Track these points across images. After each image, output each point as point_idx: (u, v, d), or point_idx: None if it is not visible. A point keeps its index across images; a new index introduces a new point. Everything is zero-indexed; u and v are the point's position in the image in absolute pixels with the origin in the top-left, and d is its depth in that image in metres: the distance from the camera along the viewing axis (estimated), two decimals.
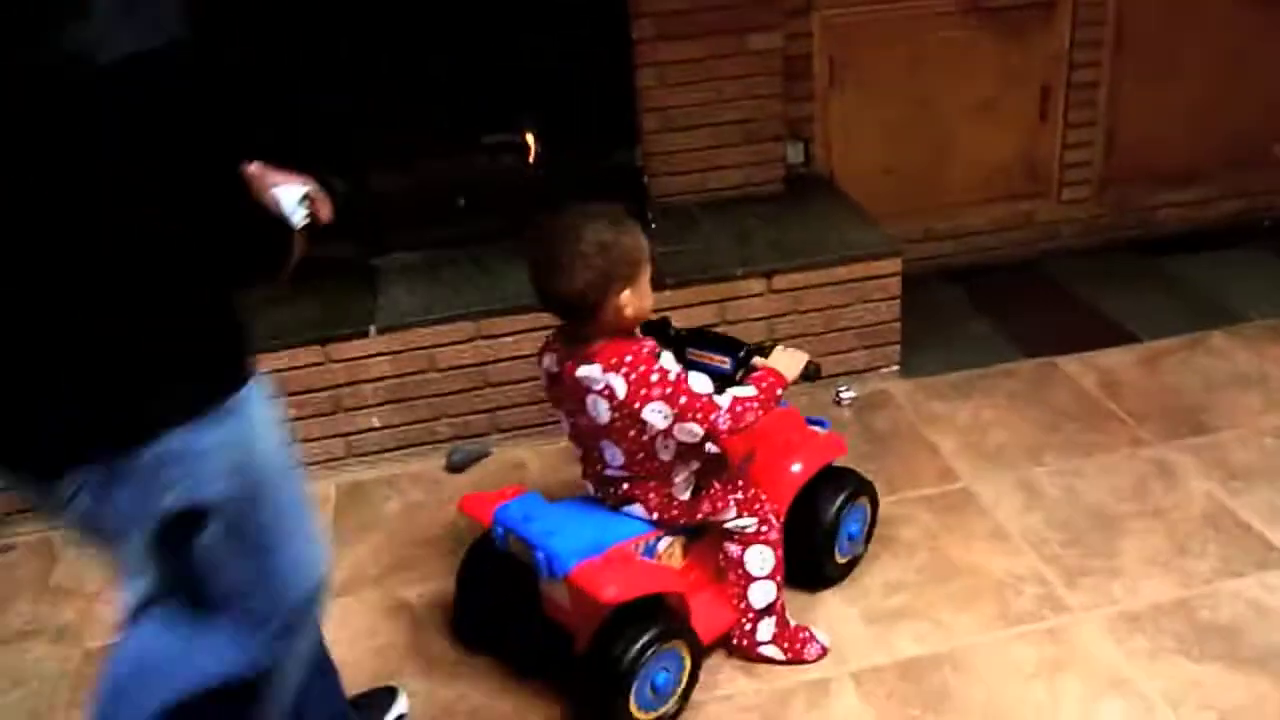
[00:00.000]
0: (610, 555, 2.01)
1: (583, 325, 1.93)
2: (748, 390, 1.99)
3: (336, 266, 3.05)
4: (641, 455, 2.00)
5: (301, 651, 1.61)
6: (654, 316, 2.08)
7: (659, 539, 2.10)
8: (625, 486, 2.07)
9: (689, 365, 2.06)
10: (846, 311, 2.99)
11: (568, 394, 2.00)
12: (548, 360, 2.04)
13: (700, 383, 1.95)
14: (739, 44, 3.18)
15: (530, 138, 3.30)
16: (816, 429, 2.38)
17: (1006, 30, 3.46)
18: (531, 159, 3.29)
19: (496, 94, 3.12)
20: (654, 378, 1.91)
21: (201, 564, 1.45)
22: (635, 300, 1.91)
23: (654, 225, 3.16)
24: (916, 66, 3.44)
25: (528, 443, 2.92)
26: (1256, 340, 3.16)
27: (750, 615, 2.15)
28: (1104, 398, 2.95)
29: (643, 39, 3.12)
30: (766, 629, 2.16)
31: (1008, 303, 3.46)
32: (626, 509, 2.09)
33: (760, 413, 1.98)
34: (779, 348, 2.11)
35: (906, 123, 3.50)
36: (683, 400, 1.91)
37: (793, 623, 2.19)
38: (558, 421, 2.16)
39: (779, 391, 2.03)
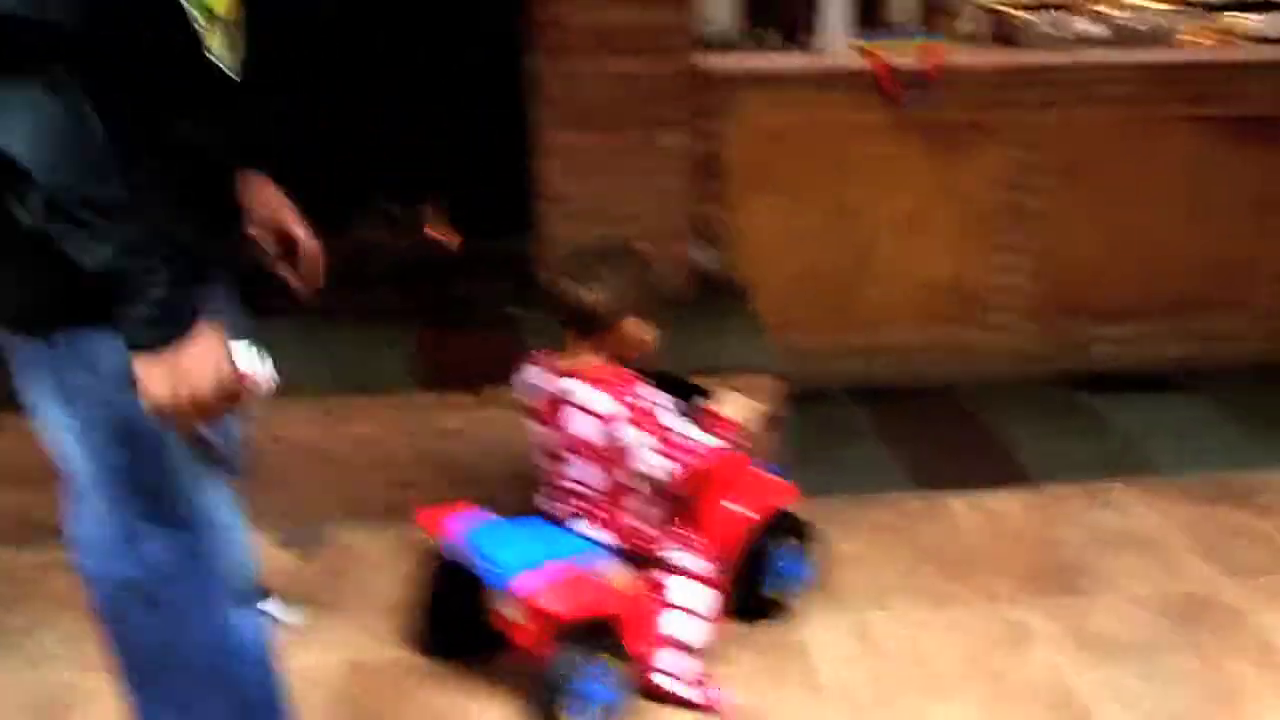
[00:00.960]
0: (556, 571, 2.06)
1: (584, 341, 2.08)
2: (709, 437, 2.12)
3: None
4: (613, 476, 2.09)
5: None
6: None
7: (604, 561, 2.13)
8: (581, 502, 2.15)
9: None
10: None
11: (549, 407, 2.12)
12: (532, 373, 2.17)
13: (676, 420, 2.07)
14: (646, 139, 3.10)
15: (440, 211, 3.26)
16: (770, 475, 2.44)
17: (940, 147, 3.34)
18: (446, 234, 3.25)
19: (387, 161, 3.07)
20: (639, 405, 2.04)
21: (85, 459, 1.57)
22: (641, 333, 2.09)
23: (538, 316, 3.08)
24: (839, 174, 3.33)
25: (368, 530, 2.78)
26: (1161, 497, 2.94)
27: (675, 649, 2.16)
28: (979, 543, 2.75)
29: (544, 123, 3.06)
30: (688, 667, 2.16)
31: (913, 428, 3.29)
32: (575, 524, 2.17)
33: (719, 459, 2.12)
34: (729, 395, 2.23)
35: (825, 231, 3.38)
36: (662, 433, 2.04)
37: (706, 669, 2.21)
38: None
39: (737, 436, 2.17)
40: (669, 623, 2.16)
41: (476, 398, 2.74)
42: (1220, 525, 2.82)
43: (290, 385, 2.69)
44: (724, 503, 2.31)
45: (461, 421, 2.78)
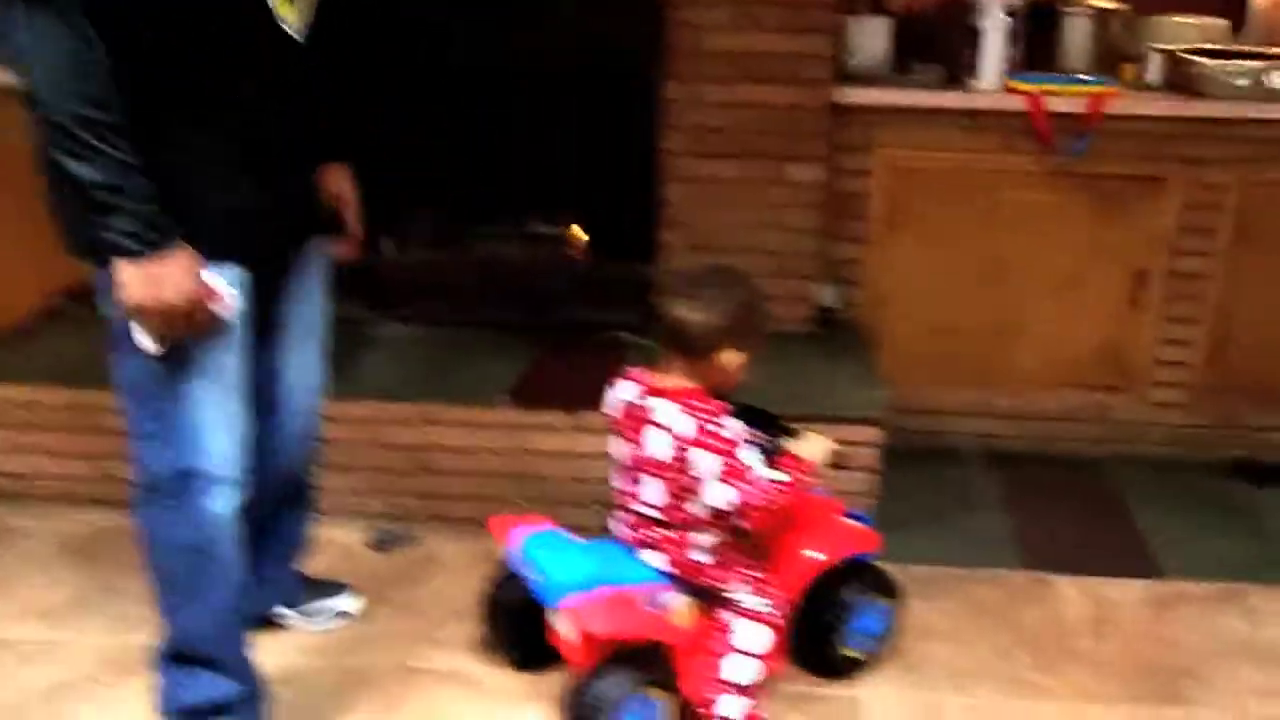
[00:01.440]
0: (605, 594, 2.05)
1: (680, 363, 2.05)
2: (781, 475, 2.05)
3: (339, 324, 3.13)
4: (676, 503, 2.06)
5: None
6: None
7: (668, 593, 2.11)
8: (652, 529, 2.12)
9: None
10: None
11: (632, 423, 2.10)
12: (626, 389, 2.14)
13: (750, 455, 2.03)
14: (777, 172, 3.00)
15: (578, 232, 3.25)
16: (853, 522, 2.36)
17: (1101, 201, 3.08)
18: (577, 254, 3.25)
19: (518, 184, 3.09)
20: (720, 434, 1.99)
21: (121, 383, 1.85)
22: (737, 365, 2.04)
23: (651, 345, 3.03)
24: (991, 224, 3.12)
25: (455, 537, 2.80)
26: None
27: (718, 683, 2.11)
28: (1083, 635, 2.50)
29: (673, 151, 3.01)
30: (737, 708, 2.11)
31: (1042, 501, 3.04)
32: (646, 553, 2.14)
33: (788, 498, 2.04)
34: (806, 434, 2.16)
35: (972, 284, 3.18)
36: (732, 464, 1.99)
37: (764, 712, 2.15)
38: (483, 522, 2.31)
39: (808, 479, 2.09)
40: (728, 665, 2.11)
41: (571, 418, 2.72)
42: None
43: (396, 387, 2.85)
44: (796, 545, 2.24)
45: (556, 443, 2.78)
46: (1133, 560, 2.78)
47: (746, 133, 2.96)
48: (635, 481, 2.13)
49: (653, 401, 2.07)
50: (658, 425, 2.04)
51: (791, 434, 2.15)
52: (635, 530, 2.16)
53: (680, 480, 2.04)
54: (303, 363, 2.17)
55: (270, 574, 2.33)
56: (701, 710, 2.13)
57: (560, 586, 2.05)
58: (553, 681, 2.26)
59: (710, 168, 3.00)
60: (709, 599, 2.15)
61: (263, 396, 2.07)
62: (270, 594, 2.37)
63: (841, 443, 2.65)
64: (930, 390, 3.24)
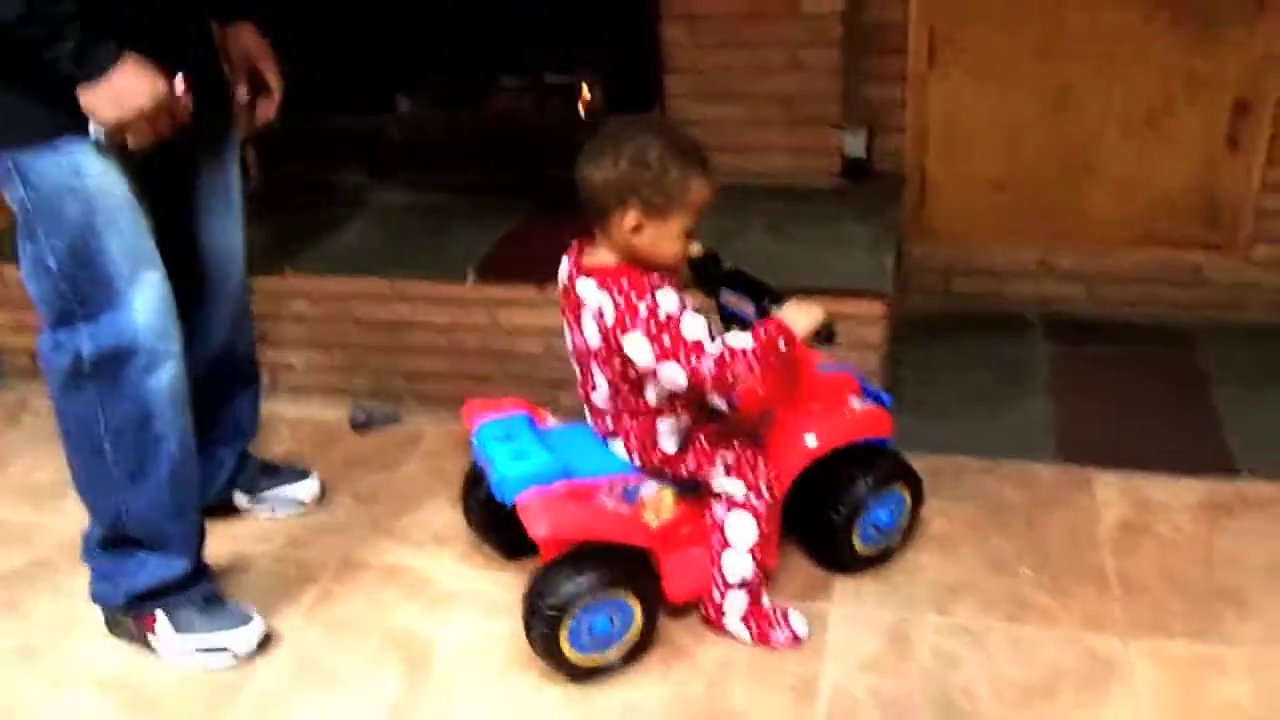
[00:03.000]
0: (563, 489, 1.83)
1: (599, 233, 1.77)
2: (742, 340, 1.73)
3: (331, 190, 2.92)
4: (626, 390, 1.83)
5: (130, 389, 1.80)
6: (693, 251, 1.87)
7: (642, 484, 1.90)
8: (610, 420, 1.89)
9: (723, 309, 1.93)
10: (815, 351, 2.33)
11: (570, 306, 1.84)
12: (563, 267, 1.86)
13: (694, 325, 1.72)
14: (790, 3, 2.53)
15: (585, 85, 2.87)
16: (867, 403, 2.04)
17: (1191, 19, 2.47)
18: (585, 107, 2.88)
19: (500, 32, 2.72)
20: (642, 311, 1.71)
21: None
22: (653, 235, 1.71)
23: None
24: (1055, 52, 2.56)
25: (438, 417, 2.58)
26: None
27: (721, 585, 1.92)
28: (1110, 544, 2.07)
29: None
30: (736, 603, 1.92)
31: (1106, 381, 2.55)
32: (611, 444, 1.92)
33: (755, 367, 1.72)
34: (791, 301, 1.80)
35: (1033, 123, 2.64)
36: (666, 340, 1.70)
37: (768, 603, 1.94)
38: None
39: (780, 346, 1.74)
40: (727, 562, 1.90)
41: (540, 292, 2.42)
42: None
43: (371, 260, 2.61)
44: (787, 428, 1.96)
45: (529, 318, 2.48)
46: (1202, 455, 2.29)
47: None
48: (584, 371, 1.88)
49: (581, 282, 1.78)
50: (590, 310, 1.77)
51: (780, 302, 1.80)
52: (597, 421, 1.92)
53: (622, 368, 1.78)
54: (222, 233, 2.03)
55: (222, 458, 2.22)
56: (704, 610, 1.94)
57: (510, 480, 1.82)
58: (500, 582, 2.08)
59: (711, 2, 2.56)
60: (693, 489, 1.92)
61: (186, 273, 1.94)
62: (222, 478, 2.23)
63: (839, 317, 2.30)
64: (985, 248, 2.76)
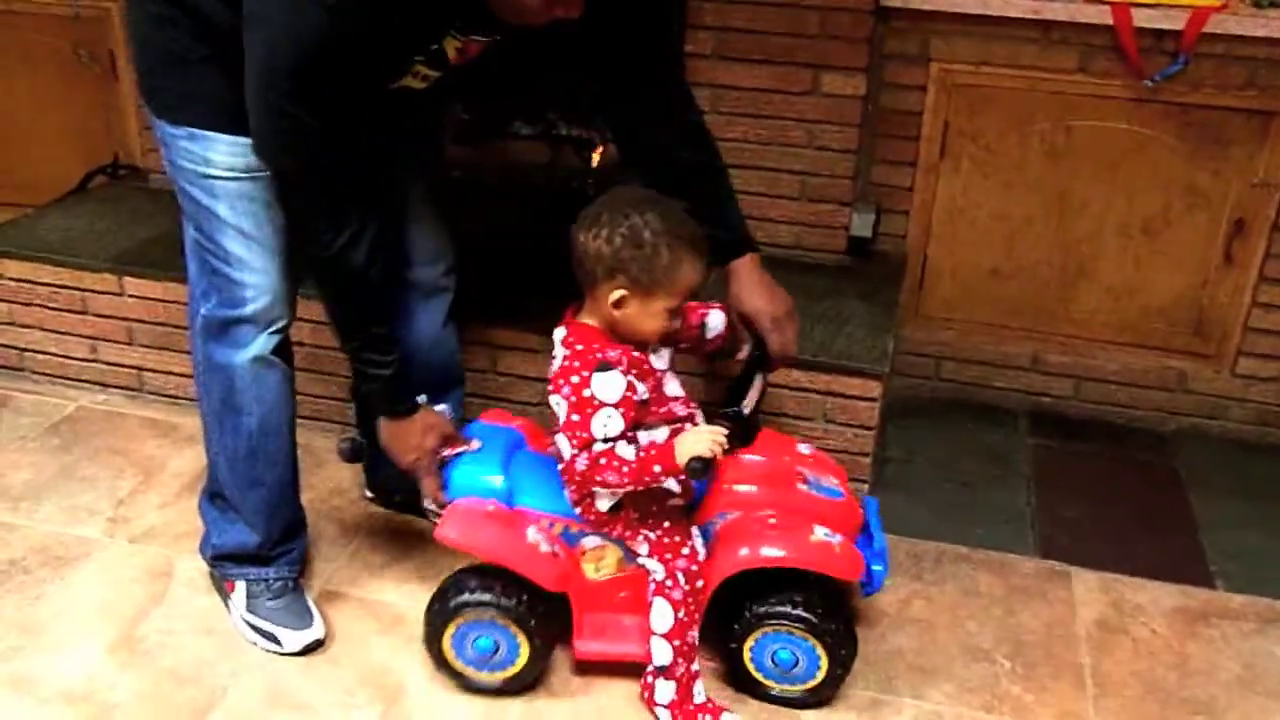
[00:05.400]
0: (491, 508, 1.84)
1: (588, 298, 1.75)
2: (629, 452, 1.70)
3: None
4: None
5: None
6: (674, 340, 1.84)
7: (584, 533, 1.84)
8: (559, 464, 1.81)
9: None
10: (807, 428, 2.29)
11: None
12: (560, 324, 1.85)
13: (603, 422, 1.69)
14: (811, 81, 2.52)
15: (599, 140, 2.84)
16: (830, 537, 1.80)
17: (1195, 136, 2.48)
18: (595, 160, 2.85)
19: (519, 82, 2.69)
20: (575, 379, 1.70)
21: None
22: (635, 311, 1.70)
23: None
24: (1060, 155, 2.56)
25: None
26: None
27: (651, 669, 1.83)
28: (1088, 644, 2.03)
29: (697, 54, 2.55)
30: (664, 691, 1.82)
31: (1086, 478, 2.51)
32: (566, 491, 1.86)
33: (626, 482, 1.70)
34: (700, 428, 1.73)
35: (1033, 221, 2.63)
36: (574, 417, 1.70)
37: (700, 699, 1.82)
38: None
39: (656, 470, 1.68)
40: (654, 647, 1.80)
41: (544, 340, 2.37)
42: None
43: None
44: (733, 532, 1.82)
45: (526, 366, 2.43)
46: (1179, 561, 2.26)
47: (778, 35, 2.48)
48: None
49: (557, 330, 1.78)
50: (552, 355, 1.78)
51: (725, 416, 1.76)
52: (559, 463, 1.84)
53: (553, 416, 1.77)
54: (425, 233, 2.10)
55: None
56: (642, 694, 1.85)
57: (451, 482, 1.88)
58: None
59: (735, 74, 2.54)
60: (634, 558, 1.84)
61: (393, 272, 2.04)
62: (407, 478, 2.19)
63: (836, 395, 2.27)
64: (977, 338, 2.73)
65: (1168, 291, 2.63)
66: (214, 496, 2.04)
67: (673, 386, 1.83)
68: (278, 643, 1.96)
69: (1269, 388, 2.64)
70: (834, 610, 1.83)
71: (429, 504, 1.90)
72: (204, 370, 1.94)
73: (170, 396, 2.68)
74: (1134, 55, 2.40)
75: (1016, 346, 2.73)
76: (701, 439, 1.66)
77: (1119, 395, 2.71)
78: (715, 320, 1.92)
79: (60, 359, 2.74)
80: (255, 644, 1.97)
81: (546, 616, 1.84)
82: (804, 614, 1.79)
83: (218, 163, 1.75)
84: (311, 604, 2.01)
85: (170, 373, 2.66)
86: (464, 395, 2.30)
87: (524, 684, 1.88)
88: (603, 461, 1.68)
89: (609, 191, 1.75)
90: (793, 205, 2.63)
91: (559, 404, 1.71)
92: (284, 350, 1.93)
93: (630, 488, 1.71)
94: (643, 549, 1.80)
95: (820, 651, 1.81)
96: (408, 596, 2.09)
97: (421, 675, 1.92)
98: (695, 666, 1.81)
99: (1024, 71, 2.51)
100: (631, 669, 1.85)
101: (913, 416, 2.72)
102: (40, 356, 2.75)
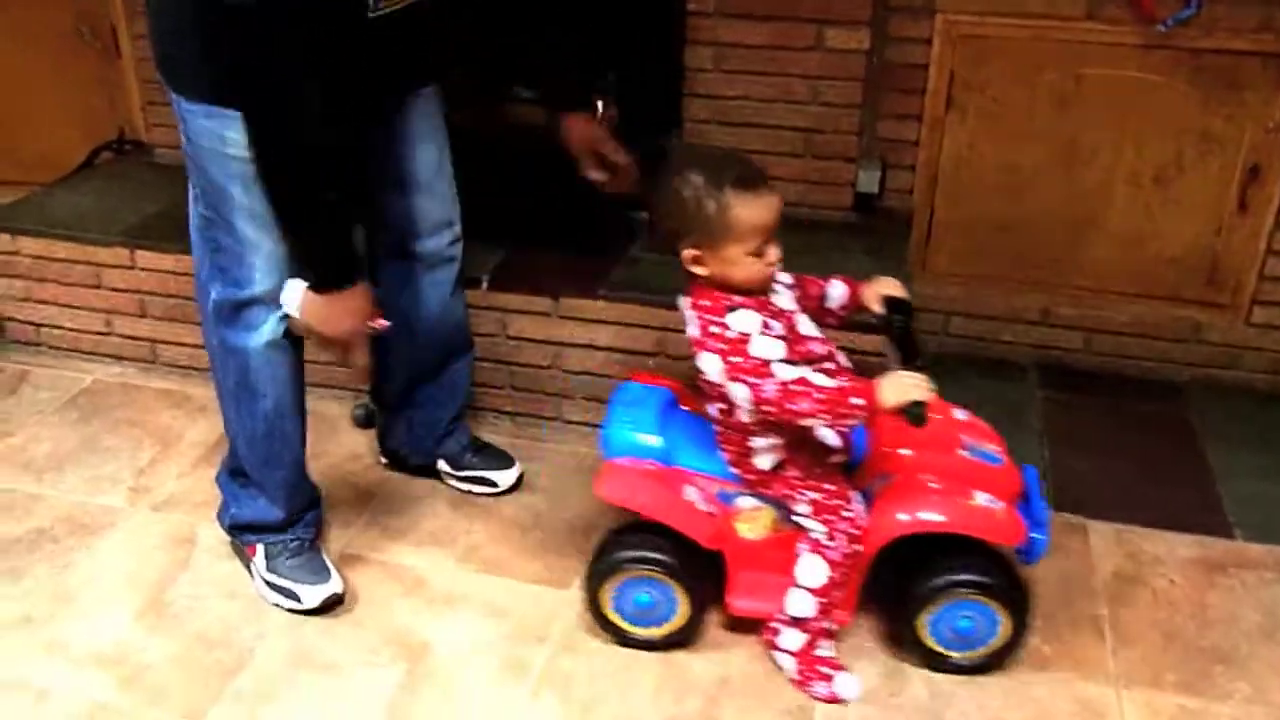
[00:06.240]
0: (657, 468, 1.85)
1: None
2: (824, 380, 1.66)
3: None
4: (720, 405, 1.78)
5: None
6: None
7: (740, 493, 1.85)
8: (716, 429, 1.84)
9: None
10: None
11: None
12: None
13: (765, 346, 1.69)
14: (815, 37, 2.47)
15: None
16: (993, 503, 1.77)
17: (1208, 81, 2.42)
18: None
19: (520, 44, 2.64)
20: (714, 329, 1.71)
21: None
22: (715, 264, 1.71)
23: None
24: (1070, 105, 2.50)
25: None
26: None
27: (782, 617, 1.85)
28: (1105, 594, 2.01)
29: (699, 11, 2.51)
30: (791, 639, 1.84)
31: (1099, 431, 2.48)
32: (719, 450, 1.86)
33: (820, 411, 1.64)
34: (903, 373, 1.68)
35: (1043, 172, 2.58)
36: (734, 359, 1.68)
37: (826, 652, 1.84)
38: None
39: (854, 403, 1.63)
40: (791, 597, 1.81)
41: (553, 303, 2.35)
42: None
43: None
44: (893, 496, 1.79)
45: (536, 329, 2.41)
46: (1195, 511, 2.23)
47: None
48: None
49: (680, 299, 1.81)
50: (686, 322, 1.79)
51: (916, 369, 1.70)
52: (714, 428, 1.86)
53: (705, 381, 1.75)
54: (431, 205, 2.06)
55: (434, 420, 2.26)
56: (764, 634, 1.88)
57: (611, 440, 1.87)
58: (495, 586, 2.02)
59: (738, 30, 2.50)
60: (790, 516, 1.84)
61: (399, 244, 2.07)
62: (431, 442, 2.28)
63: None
64: (986, 291, 2.69)
65: (1180, 241, 2.58)
66: (235, 473, 2.04)
67: (806, 325, 1.82)
68: (298, 599, 1.97)
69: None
70: (1008, 571, 1.81)
71: (358, 358, 1.83)
72: (219, 354, 1.93)
73: (183, 368, 2.68)
74: (1145, 3, 2.35)
75: (1026, 300, 2.69)
76: (911, 382, 1.64)
77: (1131, 347, 2.67)
78: (836, 290, 1.90)
79: (75, 333, 2.74)
80: (277, 604, 1.98)
81: (702, 573, 1.86)
82: (987, 579, 1.77)
83: (235, 141, 1.69)
84: (329, 561, 2.02)
85: (183, 344, 2.65)
86: (474, 359, 2.29)
87: (682, 639, 1.89)
88: (795, 388, 1.64)
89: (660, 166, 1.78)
90: (797, 162, 2.59)
91: (710, 360, 1.71)
92: (297, 340, 1.91)
93: (821, 419, 1.66)
94: (804, 508, 1.79)
95: (1002, 614, 1.79)
96: (427, 559, 2.10)
97: (445, 636, 1.92)
98: (831, 626, 1.83)
99: (1031, 21, 2.45)
100: None
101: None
102: (56, 331, 2.75)
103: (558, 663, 1.87)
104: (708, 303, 1.73)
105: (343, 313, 1.76)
